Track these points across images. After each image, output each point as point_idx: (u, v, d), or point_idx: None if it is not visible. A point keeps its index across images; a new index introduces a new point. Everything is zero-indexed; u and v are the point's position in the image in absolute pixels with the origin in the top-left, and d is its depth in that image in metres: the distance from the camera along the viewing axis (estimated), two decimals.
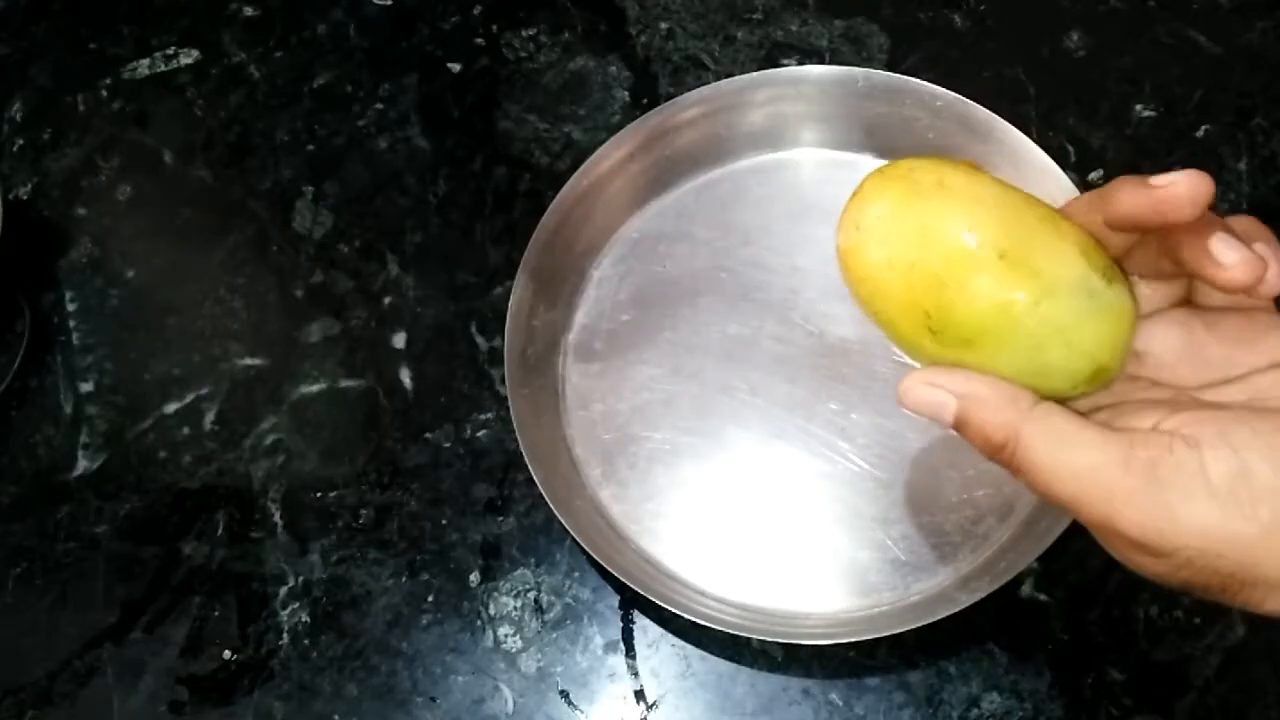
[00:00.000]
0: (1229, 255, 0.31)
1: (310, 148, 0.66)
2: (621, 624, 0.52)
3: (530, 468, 0.51)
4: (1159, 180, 0.31)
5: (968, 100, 0.57)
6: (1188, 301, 0.35)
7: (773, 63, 0.65)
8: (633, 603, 0.52)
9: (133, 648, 0.53)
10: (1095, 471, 0.31)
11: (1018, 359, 0.33)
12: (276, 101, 0.68)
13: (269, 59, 0.69)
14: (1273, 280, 0.31)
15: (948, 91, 0.57)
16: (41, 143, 0.68)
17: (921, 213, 0.33)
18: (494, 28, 0.68)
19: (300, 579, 0.54)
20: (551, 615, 0.52)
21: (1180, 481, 0.30)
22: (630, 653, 0.51)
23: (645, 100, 0.65)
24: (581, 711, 0.50)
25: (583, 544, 0.50)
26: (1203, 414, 0.31)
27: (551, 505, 0.50)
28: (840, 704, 0.49)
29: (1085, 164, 0.60)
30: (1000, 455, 0.32)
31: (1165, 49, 0.63)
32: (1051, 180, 0.54)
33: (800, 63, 0.64)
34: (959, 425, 0.33)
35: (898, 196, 0.34)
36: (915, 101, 0.58)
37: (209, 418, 0.59)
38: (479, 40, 0.68)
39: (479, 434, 0.57)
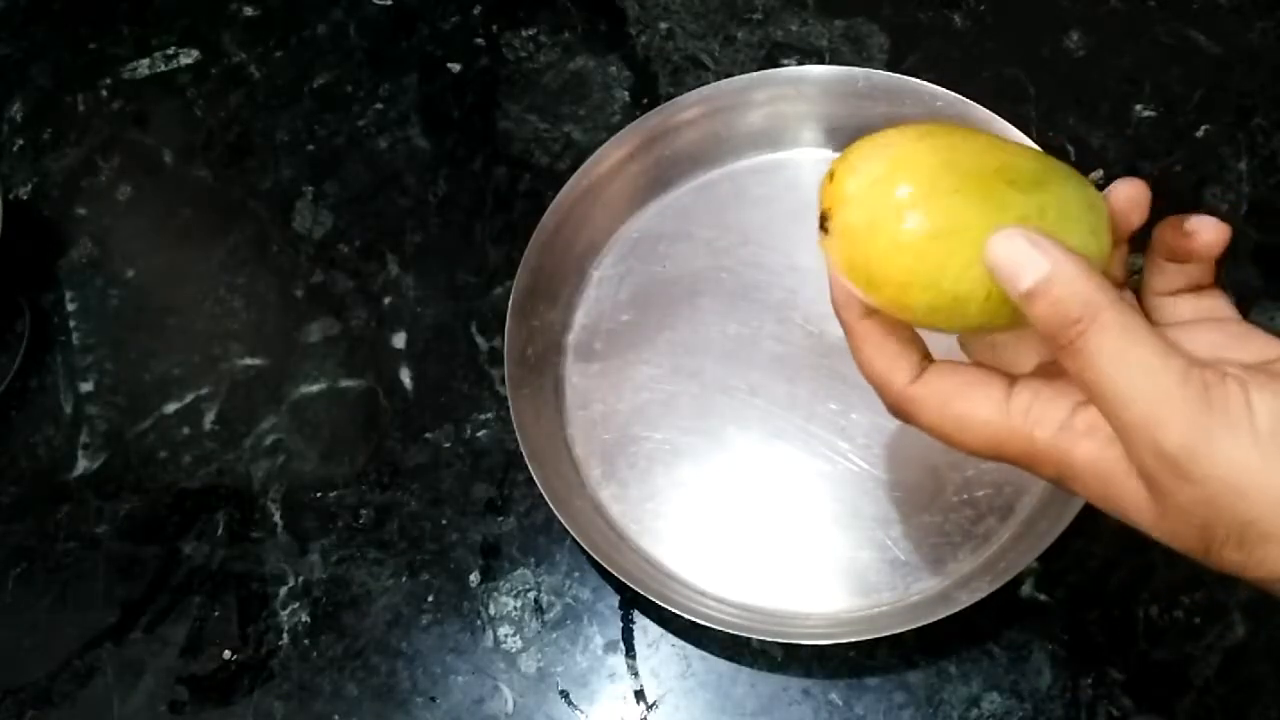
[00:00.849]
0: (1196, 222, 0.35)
1: (310, 148, 0.66)
2: (621, 624, 0.52)
3: (530, 468, 0.51)
4: (1192, 227, 0.36)
5: (968, 100, 0.57)
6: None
7: (773, 63, 0.65)
8: (633, 603, 0.52)
9: (133, 648, 0.53)
10: (1156, 374, 0.30)
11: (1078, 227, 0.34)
12: (276, 101, 0.68)
13: (269, 59, 0.69)
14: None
15: (948, 91, 0.57)
16: (41, 143, 0.68)
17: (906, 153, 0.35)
18: (494, 28, 0.68)
19: (300, 579, 0.54)
20: (551, 615, 0.52)
21: (1228, 411, 0.30)
22: (630, 653, 0.51)
23: (645, 100, 0.65)
24: (581, 711, 0.50)
25: (583, 544, 0.50)
26: (1251, 369, 0.32)
27: (551, 505, 0.50)
28: (840, 704, 0.49)
29: (1085, 164, 0.60)
30: (1066, 333, 0.32)
31: (1165, 49, 0.63)
32: None
33: (800, 63, 0.64)
34: (1038, 291, 0.32)
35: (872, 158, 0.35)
36: (915, 101, 0.58)
37: (209, 418, 0.59)
38: (479, 40, 0.68)
39: (479, 434, 0.57)
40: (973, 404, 0.35)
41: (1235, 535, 0.30)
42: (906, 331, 0.37)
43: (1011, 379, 0.35)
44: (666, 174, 0.60)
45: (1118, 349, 0.31)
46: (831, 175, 0.36)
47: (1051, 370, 0.36)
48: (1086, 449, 0.33)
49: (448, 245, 0.62)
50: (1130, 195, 0.36)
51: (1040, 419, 0.34)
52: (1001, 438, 0.35)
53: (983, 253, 0.33)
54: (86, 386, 0.60)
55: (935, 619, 0.47)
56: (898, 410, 0.37)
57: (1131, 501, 0.32)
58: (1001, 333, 0.37)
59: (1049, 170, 0.35)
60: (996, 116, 0.56)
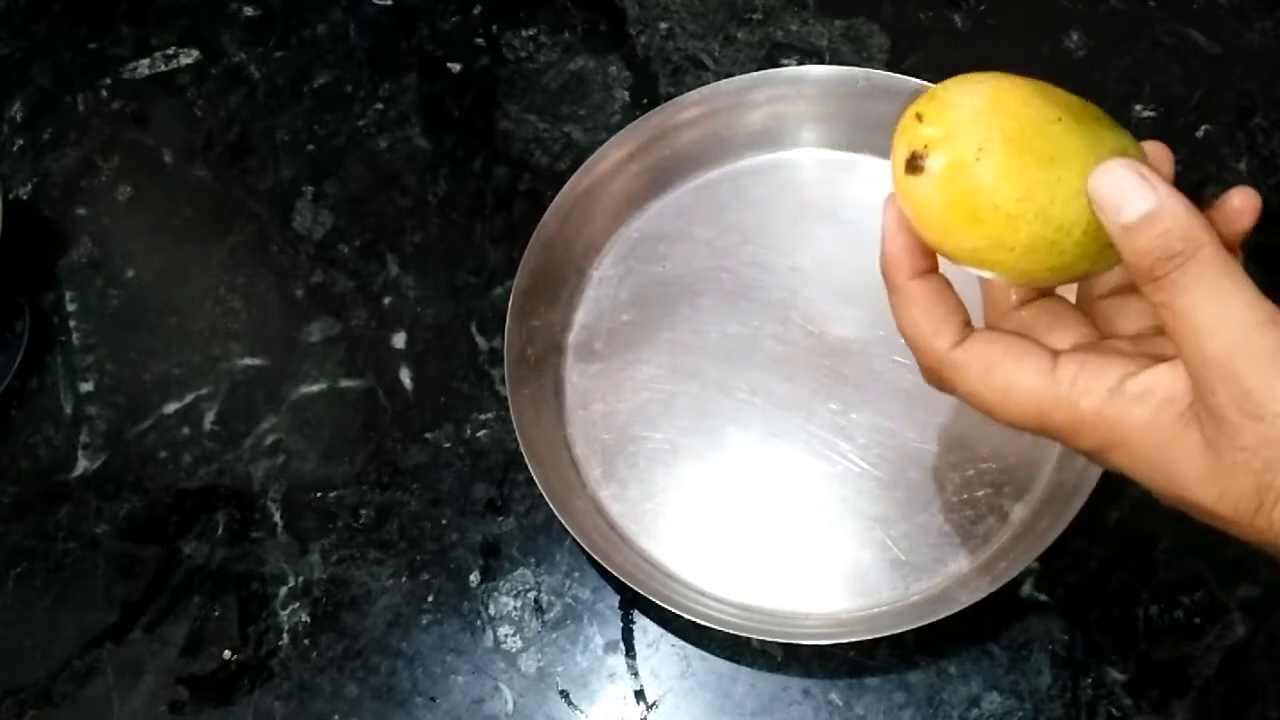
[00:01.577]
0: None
1: (310, 148, 0.66)
2: (621, 624, 0.52)
3: (530, 468, 0.51)
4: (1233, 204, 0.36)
5: None
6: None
7: (773, 63, 0.65)
8: (633, 603, 0.52)
9: (133, 648, 0.53)
10: (1246, 310, 0.31)
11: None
12: (276, 101, 0.68)
13: (269, 59, 0.69)
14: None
15: None
16: (41, 143, 0.68)
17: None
18: (494, 28, 0.68)
19: (300, 579, 0.54)
20: (551, 615, 0.52)
21: None
22: (630, 653, 0.51)
23: (645, 100, 0.65)
24: (581, 711, 0.50)
25: (583, 544, 0.50)
26: None
27: (551, 505, 0.50)
28: (840, 704, 0.49)
29: None
30: (1165, 265, 0.32)
31: (1165, 49, 0.63)
32: None
33: (800, 63, 0.64)
34: (1142, 224, 0.32)
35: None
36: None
37: (209, 418, 0.59)
38: (479, 40, 0.68)
39: (479, 434, 0.57)
40: (1018, 372, 0.35)
41: None
42: (952, 298, 0.37)
43: (1055, 352, 0.35)
44: (666, 174, 0.60)
45: (1215, 282, 0.32)
46: (920, 116, 0.35)
47: (1093, 347, 0.36)
48: (1140, 413, 0.33)
49: (448, 245, 0.62)
50: (1244, 201, 0.36)
51: (1088, 388, 0.34)
52: (1046, 406, 0.34)
53: (1085, 183, 0.33)
54: (86, 386, 0.60)
55: (935, 619, 0.47)
56: (936, 375, 0.37)
57: (1186, 458, 0.32)
58: (1076, 279, 0.37)
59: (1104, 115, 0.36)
60: None
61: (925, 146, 0.35)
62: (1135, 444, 0.33)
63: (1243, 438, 0.31)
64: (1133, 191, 0.32)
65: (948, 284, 0.37)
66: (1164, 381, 0.33)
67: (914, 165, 0.35)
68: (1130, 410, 0.33)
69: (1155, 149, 0.36)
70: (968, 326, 0.37)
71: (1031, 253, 0.34)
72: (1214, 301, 0.31)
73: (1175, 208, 0.32)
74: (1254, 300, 0.31)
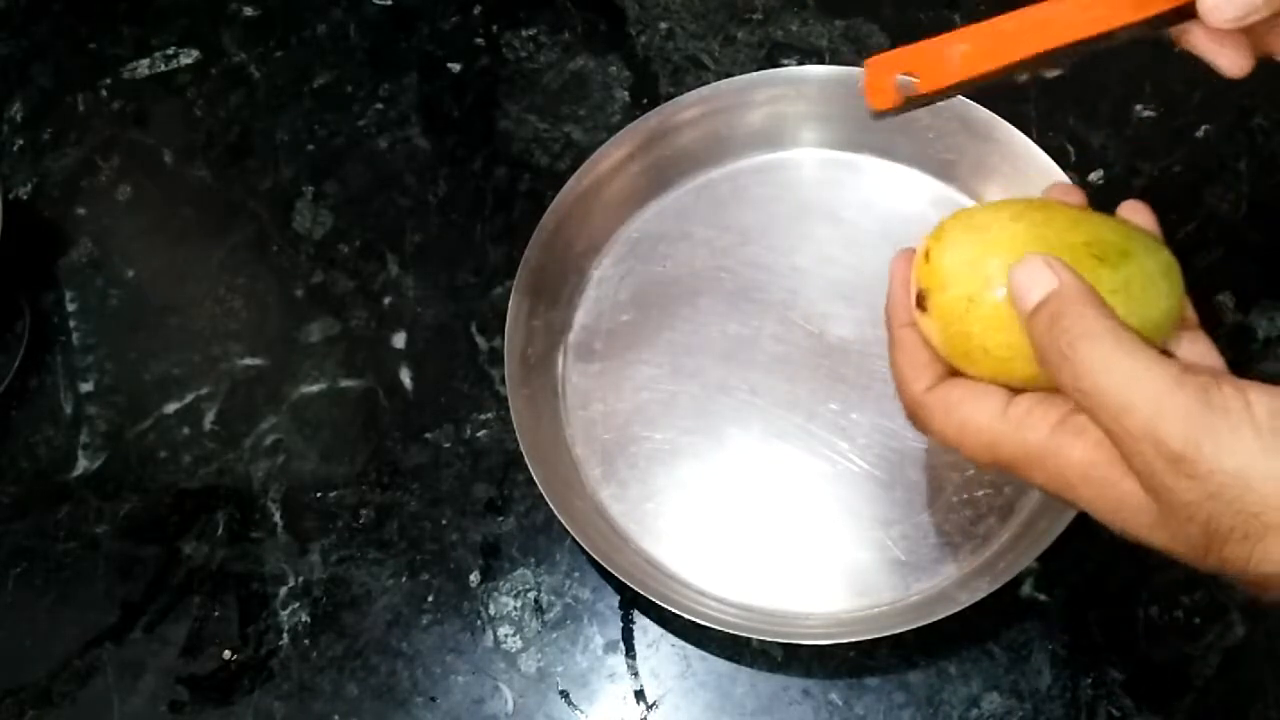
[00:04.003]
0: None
1: (310, 148, 0.66)
2: (621, 624, 0.52)
3: (530, 468, 0.51)
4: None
5: (968, 100, 0.57)
6: None
7: (773, 63, 0.65)
8: (633, 603, 0.52)
9: (133, 648, 0.53)
10: (1152, 379, 0.32)
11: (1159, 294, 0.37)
12: (276, 101, 0.68)
13: (269, 59, 0.69)
14: None
15: None
16: (41, 143, 0.68)
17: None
18: (494, 28, 0.68)
19: (300, 579, 0.54)
20: (551, 615, 0.52)
21: (1228, 409, 0.31)
22: (630, 653, 0.51)
23: (645, 100, 0.64)
24: (581, 711, 0.50)
25: (583, 544, 0.50)
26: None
27: (551, 505, 0.50)
28: (840, 704, 0.49)
29: (1085, 164, 0.60)
30: (1058, 345, 0.33)
31: (1165, 49, 0.63)
32: (1051, 181, 0.54)
33: (800, 63, 0.64)
34: (1042, 306, 0.34)
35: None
36: None
37: (209, 418, 0.59)
38: (479, 40, 0.68)
39: (479, 434, 0.57)
40: (974, 411, 0.37)
41: (1240, 529, 0.31)
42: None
43: (1014, 392, 0.37)
44: (666, 174, 0.60)
45: (1112, 358, 0.32)
46: (927, 255, 0.38)
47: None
48: (1080, 449, 0.34)
49: (448, 245, 0.62)
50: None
51: (1034, 425, 0.35)
52: (997, 441, 0.36)
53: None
54: (86, 386, 0.60)
55: (935, 619, 0.47)
56: (913, 415, 0.40)
57: (1128, 504, 0.33)
58: None
59: (1130, 238, 0.37)
60: (996, 116, 0.56)
61: (926, 288, 0.38)
62: (1080, 485, 0.34)
63: (1179, 497, 0.31)
64: (1039, 279, 0.34)
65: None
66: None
67: (920, 302, 0.39)
68: (1071, 445, 0.34)
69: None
70: (947, 375, 0.39)
71: (1029, 382, 0.37)
72: (1116, 377, 0.32)
73: (1071, 290, 0.34)
74: (1157, 368, 0.32)
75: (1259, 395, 0.31)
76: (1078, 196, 0.41)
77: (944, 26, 0.65)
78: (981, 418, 0.37)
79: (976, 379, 0.38)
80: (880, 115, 0.39)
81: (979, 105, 0.56)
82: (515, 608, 0.53)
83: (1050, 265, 0.34)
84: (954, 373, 0.39)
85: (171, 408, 0.59)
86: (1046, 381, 0.36)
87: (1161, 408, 0.31)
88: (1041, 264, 0.34)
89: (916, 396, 0.39)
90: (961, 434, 0.38)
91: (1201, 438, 0.31)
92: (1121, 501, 0.33)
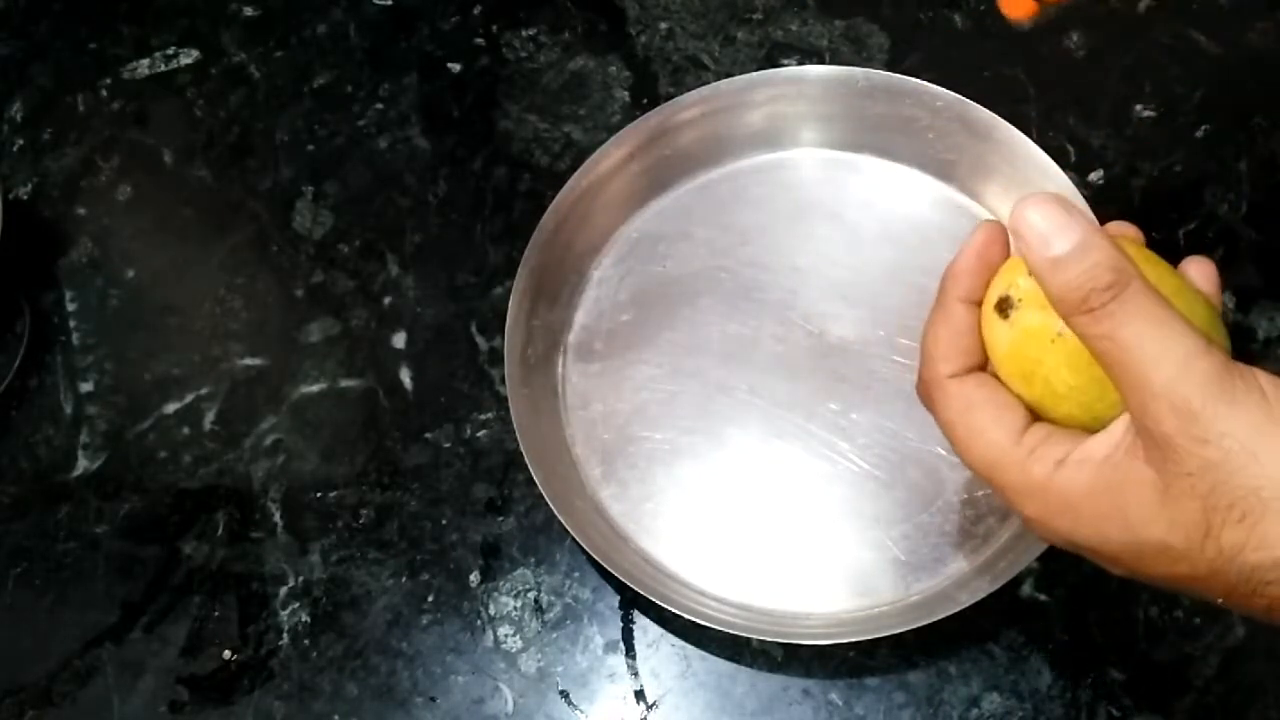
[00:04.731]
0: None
1: (310, 148, 0.66)
2: (621, 624, 0.52)
3: (530, 468, 0.51)
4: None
5: (967, 100, 0.57)
6: None
7: (773, 63, 0.65)
8: (633, 603, 0.52)
9: (133, 648, 0.53)
10: (1184, 339, 0.32)
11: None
12: (276, 101, 0.68)
13: (269, 59, 0.69)
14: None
15: (948, 91, 0.57)
16: (41, 143, 0.68)
17: None
18: (494, 28, 0.68)
19: (300, 579, 0.54)
20: (551, 615, 0.52)
21: (1246, 382, 0.32)
22: (630, 653, 0.51)
23: (645, 100, 0.64)
24: (581, 711, 0.50)
25: (583, 544, 0.50)
26: None
27: (551, 505, 0.50)
28: (840, 704, 0.49)
29: (1085, 164, 0.60)
30: (1098, 297, 0.33)
31: (1165, 49, 0.63)
32: (1051, 181, 0.54)
33: (800, 63, 0.64)
34: (1070, 257, 0.33)
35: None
36: (915, 101, 0.58)
37: (209, 418, 0.59)
38: (479, 40, 0.68)
39: (479, 434, 0.57)
40: (991, 422, 0.36)
41: (1239, 506, 0.31)
42: (980, 339, 0.38)
43: (1033, 419, 0.37)
44: (666, 174, 0.60)
45: (1152, 313, 0.32)
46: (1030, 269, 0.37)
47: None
48: (1081, 477, 0.34)
49: (448, 245, 0.62)
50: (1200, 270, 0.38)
51: (1041, 457, 0.35)
52: (1002, 462, 0.36)
53: (1010, 219, 0.34)
54: (86, 386, 0.60)
55: (935, 619, 0.47)
56: (926, 392, 0.39)
57: (1134, 493, 0.33)
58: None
59: (1208, 306, 0.37)
60: (996, 116, 0.56)
61: (1019, 300, 0.36)
62: (1080, 505, 0.34)
63: (1188, 463, 0.31)
64: (1062, 224, 0.33)
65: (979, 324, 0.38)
66: (1099, 445, 0.34)
67: (1001, 307, 0.37)
68: (1073, 478, 0.34)
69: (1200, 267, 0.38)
70: (977, 368, 0.38)
71: (1061, 420, 0.36)
72: (1154, 332, 0.32)
73: (1102, 241, 0.33)
74: (1187, 329, 0.32)
75: (1269, 378, 0.32)
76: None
77: (944, 26, 0.65)
78: (996, 433, 0.36)
79: (1015, 391, 0.37)
80: (1018, 24, 0.38)
81: (979, 105, 0.56)
82: (515, 608, 0.53)
83: (1071, 212, 0.33)
84: (984, 368, 0.38)
85: (171, 408, 0.59)
86: (1075, 422, 0.36)
87: (1186, 368, 0.31)
88: (1060, 209, 0.33)
89: (939, 378, 0.38)
90: (969, 437, 0.37)
91: (1218, 402, 0.31)
92: (1125, 496, 0.33)
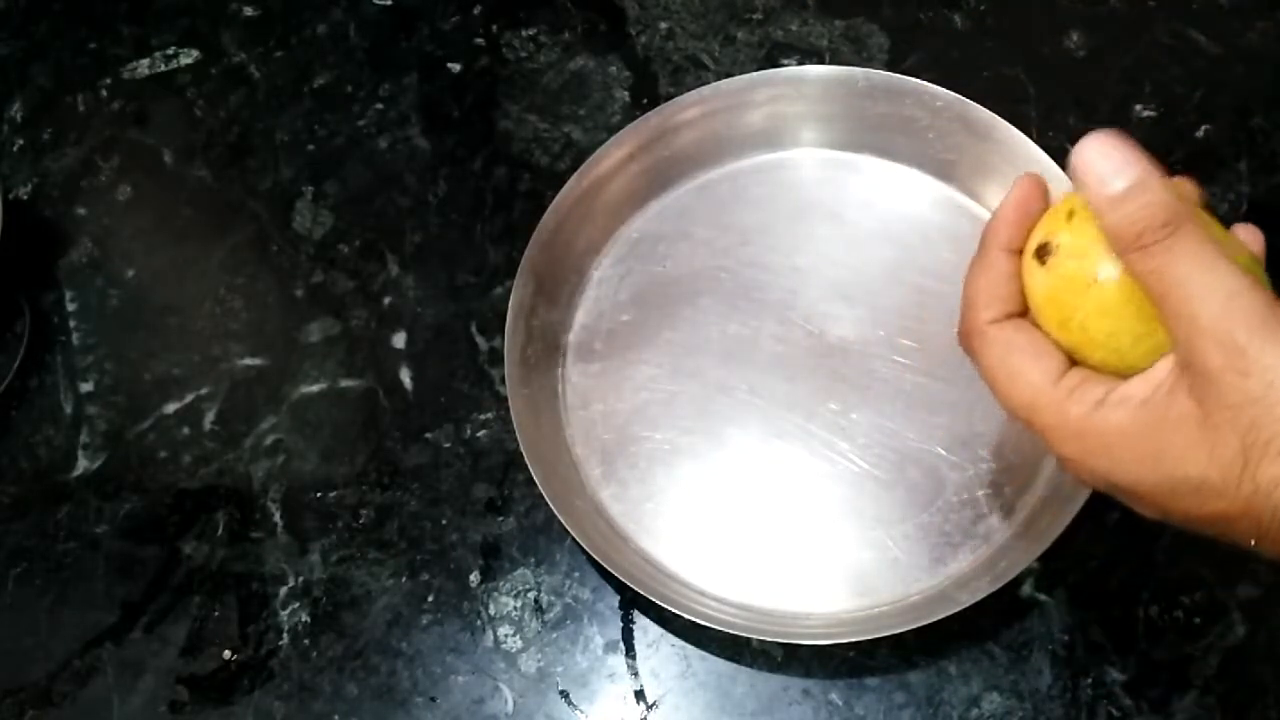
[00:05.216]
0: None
1: (310, 148, 0.66)
2: (621, 624, 0.52)
3: (530, 468, 0.51)
4: None
5: (967, 100, 0.57)
6: None
7: (773, 63, 0.65)
8: (633, 603, 0.52)
9: (133, 648, 0.53)
10: (1233, 276, 0.33)
11: None
12: (276, 101, 0.68)
13: (269, 59, 0.69)
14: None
15: (948, 91, 0.57)
16: (41, 143, 0.68)
17: None
18: (494, 28, 0.68)
19: (300, 579, 0.54)
20: (551, 615, 0.52)
21: None
22: (630, 653, 0.51)
23: (645, 100, 0.65)
24: (581, 711, 0.50)
25: (583, 544, 0.50)
26: None
27: (551, 505, 0.50)
28: (840, 704, 0.49)
29: None
30: (1153, 234, 0.33)
31: (1165, 49, 0.63)
32: (1051, 180, 0.54)
33: (800, 63, 0.64)
34: (1129, 195, 0.34)
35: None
36: (915, 101, 0.58)
37: (209, 418, 0.59)
38: (479, 40, 0.68)
39: (479, 434, 0.57)
40: (1030, 365, 0.37)
41: (1278, 441, 0.32)
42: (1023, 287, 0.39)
43: (1071, 364, 0.38)
44: (666, 174, 0.60)
45: (1202, 251, 0.33)
46: (1070, 214, 0.38)
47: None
48: (1118, 416, 0.35)
49: (448, 245, 0.62)
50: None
51: (1080, 399, 0.36)
52: (1039, 403, 0.37)
53: (1071, 158, 0.35)
54: (86, 386, 0.60)
55: (935, 619, 0.47)
56: (967, 339, 0.40)
57: (1175, 429, 0.34)
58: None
59: (1253, 259, 0.37)
60: (996, 116, 0.56)
61: (1058, 247, 0.37)
62: (1118, 444, 0.35)
63: (1230, 396, 0.32)
64: (1121, 163, 0.34)
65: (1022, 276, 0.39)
66: (1139, 386, 0.35)
67: (1040, 253, 0.38)
68: (1110, 417, 0.35)
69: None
70: (1016, 315, 0.39)
71: (1098, 366, 0.37)
72: (1204, 269, 0.33)
73: (1160, 182, 0.34)
74: (1234, 269, 0.33)
75: None
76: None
77: (944, 26, 0.65)
78: (1034, 375, 0.37)
79: (1053, 337, 0.38)
80: None
81: (979, 105, 0.56)
82: (515, 608, 0.53)
83: (1130, 150, 0.34)
84: (1023, 316, 0.39)
85: (171, 408, 0.59)
86: (1109, 368, 0.36)
87: (1233, 304, 0.32)
88: (1119, 149, 0.34)
89: (980, 324, 0.39)
90: (1009, 381, 0.38)
91: (1263, 338, 0.32)
92: (1165, 433, 0.34)
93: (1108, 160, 0.34)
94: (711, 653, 0.51)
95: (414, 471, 0.56)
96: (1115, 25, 0.64)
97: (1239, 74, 0.62)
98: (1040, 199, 0.39)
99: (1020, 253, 0.39)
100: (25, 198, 0.66)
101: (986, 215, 0.57)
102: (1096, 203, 0.34)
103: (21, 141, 0.68)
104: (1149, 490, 0.35)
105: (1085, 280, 0.36)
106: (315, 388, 0.59)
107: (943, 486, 0.52)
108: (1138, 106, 0.62)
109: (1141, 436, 0.34)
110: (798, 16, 0.66)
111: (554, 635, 0.52)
